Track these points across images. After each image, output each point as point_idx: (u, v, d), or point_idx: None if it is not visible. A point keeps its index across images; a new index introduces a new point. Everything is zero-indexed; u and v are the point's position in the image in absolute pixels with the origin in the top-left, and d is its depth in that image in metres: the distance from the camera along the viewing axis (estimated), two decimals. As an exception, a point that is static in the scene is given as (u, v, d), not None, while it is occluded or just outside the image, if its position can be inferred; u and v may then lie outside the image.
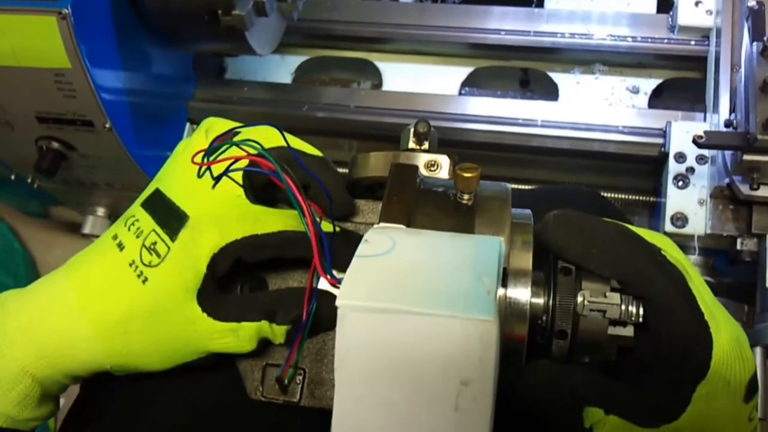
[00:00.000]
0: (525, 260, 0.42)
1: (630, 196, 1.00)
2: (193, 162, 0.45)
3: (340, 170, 1.15)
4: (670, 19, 1.03)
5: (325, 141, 1.12)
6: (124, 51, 0.92)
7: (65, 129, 0.93)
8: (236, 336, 0.47)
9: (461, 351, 0.32)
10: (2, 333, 0.46)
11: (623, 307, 0.40)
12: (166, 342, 0.47)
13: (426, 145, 0.50)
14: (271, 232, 0.47)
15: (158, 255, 0.46)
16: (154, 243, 0.46)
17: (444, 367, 0.33)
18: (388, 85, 1.12)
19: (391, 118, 1.03)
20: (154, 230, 0.47)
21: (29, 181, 1.07)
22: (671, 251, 0.43)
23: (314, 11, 1.11)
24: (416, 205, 0.45)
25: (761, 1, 0.81)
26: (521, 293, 0.41)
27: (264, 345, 0.48)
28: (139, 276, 0.46)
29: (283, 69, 1.16)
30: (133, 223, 0.47)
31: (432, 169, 0.48)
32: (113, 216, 1.11)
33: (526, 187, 1.04)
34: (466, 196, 0.44)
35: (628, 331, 0.41)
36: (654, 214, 0.98)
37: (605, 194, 0.99)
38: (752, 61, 0.78)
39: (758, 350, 0.78)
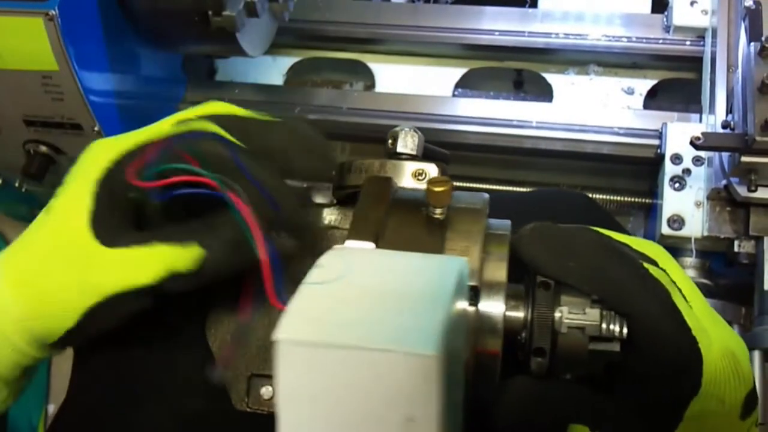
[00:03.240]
0: (500, 273, 0.41)
1: (626, 198, 0.99)
2: (132, 182, 0.42)
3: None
4: (665, 19, 1.02)
5: (318, 143, 1.11)
6: (113, 53, 0.90)
7: (53, 132, 0.92)
8: (129, 265, 0.40)
9: (404, 387, 0.31)
10: None
11: (604, 324, 0.39)
12: (71, 282, 0.42)
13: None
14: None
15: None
16: None
17: (388, 403, 0.31)
18: (381, 86, 1.11)
19: (384, 119, 1.02)
20: None
21: (17, 185, 1.06)
22: (663, 260, 0.42)
23: (306, 12, 1.09)
24: (386, 221, 0.43)
25: (758, 1, 0.80)
26: (494, 307, 0.40)
27: None
28: (47, 212, 0.43)
29: (274, 70, 1.15)
30: None
31: (419, 178, 0.48)
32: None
33: (520, 189, 1.04)
34: (438, 211, 0.43)
35: (614, 346, 0.39)
36: (650, 216, 0.98)
37: (601, 196, 0.98)
38: (750, 61, 0.77)
39: (756, 354, 0.77)
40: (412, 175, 0.48)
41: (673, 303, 0.39)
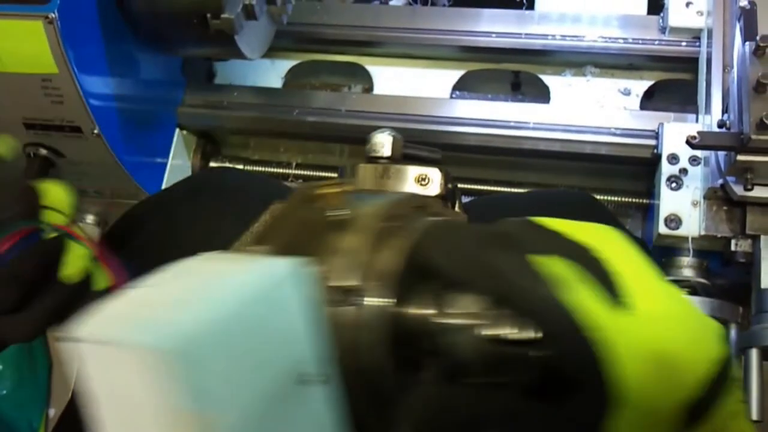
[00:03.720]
0: (385, 272, 0.39)
1: (623, 199, 0.99)
2: None
3: (330, 175, 1.14)
4: (660, 21, 1.03)
5: (317, 146, 1.12)
6: (112, 55, 0.91)
7: (53, 135, 0.92)
8: None
9: (149, 383, 0.31)
10: None
11: (496, 326, 0.37)
12: None
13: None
14: None
15: None
16: None
17: (147, 398, 0.32)
18: (379, 88, 1.11)
19: (383, 122, 1.01)
20: None
21: (17, 188, 1.06)
22: (608, 246, 0.38)
23: (304, 15, 1.10)
24: (288, 226, 0.43)
25: (753, 1, 0.80)
26: (371, 306, 0.38)
27: None
28: None
29: (273, 73, 1.16)
30: None
31: (423, 183, 0.48)
32: (103, 223, 1.10)
33: (519, 190, 1.04)
34: (336, 212, 0.42)
35: (525, 350, 0.36)
36: (648, 216, 0.98)
37: (598, 197, 0.99)
38: (745, 61, 0.77)
39: (754, 352, 0.77)
40: (415, 180, 0.48)
41: (558, 303, 0.35)
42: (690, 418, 0.36)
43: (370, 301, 0.38)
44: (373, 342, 0.38)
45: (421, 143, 0.52)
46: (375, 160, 0.49)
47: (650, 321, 0.36)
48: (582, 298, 0.36)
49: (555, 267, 0.37)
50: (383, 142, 0.49)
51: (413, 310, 0.39)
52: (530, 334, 0.36)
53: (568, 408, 0.36)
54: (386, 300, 0.39)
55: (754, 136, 0.74)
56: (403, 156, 0.49)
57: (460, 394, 0.38)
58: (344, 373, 0.37)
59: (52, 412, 1.40)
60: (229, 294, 0.34)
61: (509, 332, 0.36)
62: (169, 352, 0.30)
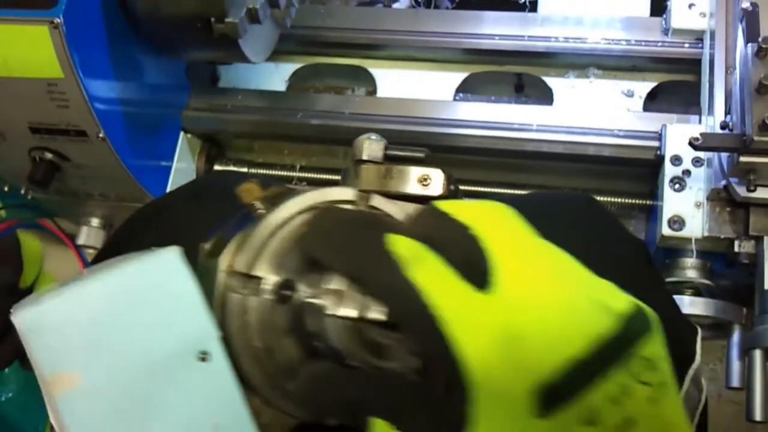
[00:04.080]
0: (273, 258, 0.43)
1: (626, 200, 0.99)
2: None
3: (334, 177, 1.15)
4: (663, 22, 1.03)
5: (321, 148, 1.12)
6: (117, 60, 0.91)
7: (58, 139, 0.92)
8: None
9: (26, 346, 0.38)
10: None
11: (339, 305, 0.38)
12: None
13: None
14: None
15: None
16: None
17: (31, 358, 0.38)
18: (383, 91, 1.12)
19: (386, 124, 1.02)
20: None
21: (23, 192, 1.06)
22: (488, 223, 0.37)
23: (308, 18, 1.10)
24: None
25: (755, 3, 0.81)
26: (259, 290, 0.42)
27: None
28: None
29: (277, 76, 1.16)
30: None
31: (424, 183, 0.48)
32: (108, 227, 1.11)
33: (521, 192, 1.04)
34: (256, 208, 0.46)
35: (383, 335, 0.37)
36: (651, 217, 0.98)
37: (601, 199, 0.99)
38: (747, 62, 0.78)
39: (758, 353, 0.77)
40: (417, 181, 0.49)
41: (409, 286, 0.34)
42: (547, 403, 0.33)
43: (264, 285, 0.42)
44: (260, 322, 0.42)
45: (423, 145, 0.52)
46: (360, 162, 0.50)
47: (507, 300, 0.34)
48: (427, 276, 0.35)
49: (404, 246, 0.36)
50: (360, 147, 0.50)
51: (289, 293, 0.42)
52: (374, 314, 0.37)
53: (442, 395, 0.35)
54: (272, 284, 0.42)
55: (756, 138, 0.74)
56: (385, 157, 0.50)
57: (345, 374, 0.39)
58: (239, 351, 0.41)
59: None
60: (109, 278, 0.40)
61: (352, 312, 0.38)
62: (26, 323, 0.38)
